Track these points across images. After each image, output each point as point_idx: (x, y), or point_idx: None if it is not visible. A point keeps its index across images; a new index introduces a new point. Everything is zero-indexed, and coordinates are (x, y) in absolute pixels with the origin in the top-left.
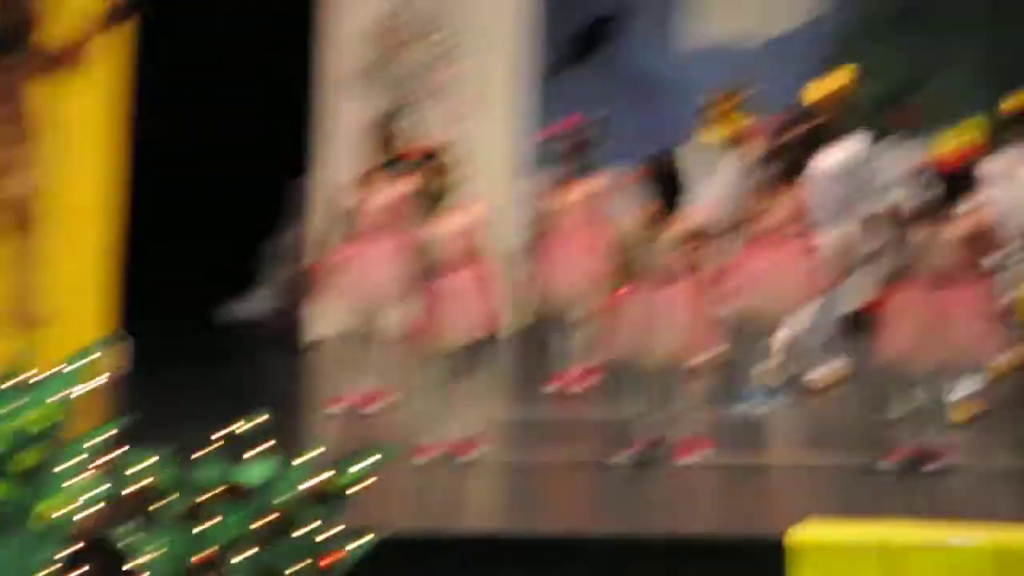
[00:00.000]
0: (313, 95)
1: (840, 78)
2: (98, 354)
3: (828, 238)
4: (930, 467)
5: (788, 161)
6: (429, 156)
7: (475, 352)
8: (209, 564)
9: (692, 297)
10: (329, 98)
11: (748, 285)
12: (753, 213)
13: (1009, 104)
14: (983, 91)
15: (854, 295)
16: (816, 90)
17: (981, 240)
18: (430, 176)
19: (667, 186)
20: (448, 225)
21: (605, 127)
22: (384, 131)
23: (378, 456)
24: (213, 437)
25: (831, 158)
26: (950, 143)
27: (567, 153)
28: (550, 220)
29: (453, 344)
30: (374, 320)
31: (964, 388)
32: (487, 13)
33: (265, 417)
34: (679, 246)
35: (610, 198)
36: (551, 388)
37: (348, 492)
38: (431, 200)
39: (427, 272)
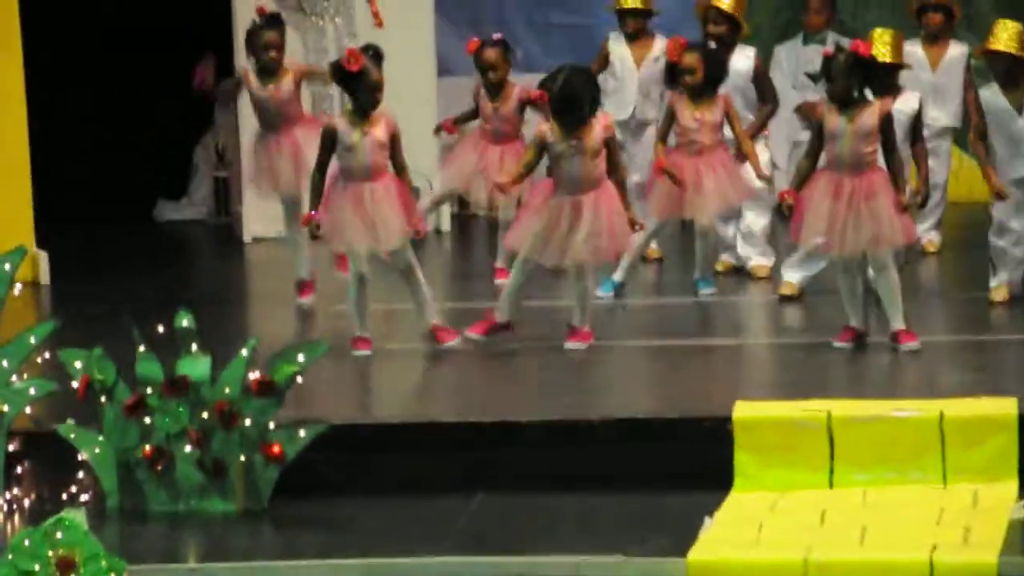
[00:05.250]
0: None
1: None
2: (8, 265)
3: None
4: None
5: (710, 71)
6: (358, 69)
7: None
8: (157, 456)
9: (611, 198)
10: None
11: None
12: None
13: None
14: None
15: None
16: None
17: (889, 129)
18: (360, 83)
19: (569, 101)
20: (372, 134)
21: (506, 48)
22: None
23: (315, 349)
24: (151, 334)
25: (738, 63)
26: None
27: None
28: (479, 125)
29: (367, 247)
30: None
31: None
32: None
33: (197, 314)
34: (596, 153)
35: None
36: (497, 282)
37: (290, 384)
38: (361, 108)
39: (346, 176)
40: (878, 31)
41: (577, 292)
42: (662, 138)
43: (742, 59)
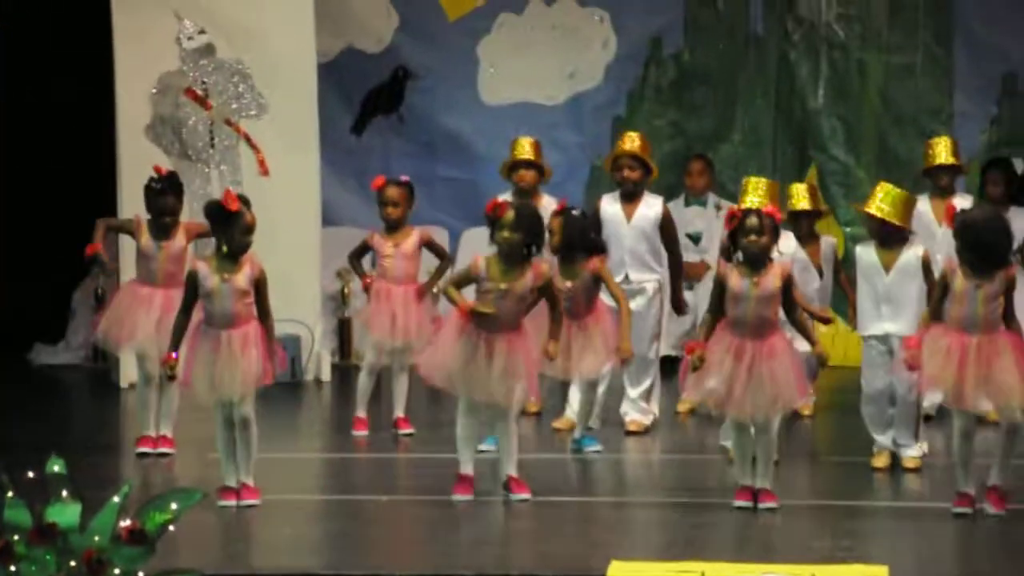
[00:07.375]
0: (117, 144)
1: (635, 138)
2: None
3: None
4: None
5: (565, 236)
6: (236, 209)
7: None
8: None
9: (522, 346)
10: (131, 147)
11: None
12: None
13: None
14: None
15: (670, 340)
16: (627, 144)
17: (791, 290)
18: (234, 224)
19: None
20: (233, 281)
21: (410, 190)
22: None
23: (189, 498)
24: (21, 479)
25: (647, 210)
26: (764, 197)
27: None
28: (378, 270)
29: (225, 394)
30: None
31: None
32: (282, 67)
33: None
34: (524, 298)
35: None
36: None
37: (162, 532)
38: (231, 251)
39: (208, 321)
40: (752, 180)
41: (503, 439)
42: None
43: (651, 206)
